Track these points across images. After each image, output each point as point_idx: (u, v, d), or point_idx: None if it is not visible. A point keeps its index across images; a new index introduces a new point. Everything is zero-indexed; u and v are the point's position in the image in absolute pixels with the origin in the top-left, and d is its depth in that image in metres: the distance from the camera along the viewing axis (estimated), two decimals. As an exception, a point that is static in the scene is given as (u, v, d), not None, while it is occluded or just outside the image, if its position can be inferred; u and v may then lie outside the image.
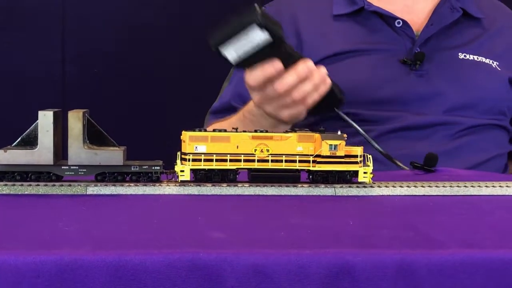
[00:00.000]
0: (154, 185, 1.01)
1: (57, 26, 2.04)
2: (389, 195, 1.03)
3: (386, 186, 1.05)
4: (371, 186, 1.04)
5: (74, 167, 1.01)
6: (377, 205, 0.98)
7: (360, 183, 1.05)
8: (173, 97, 2.10)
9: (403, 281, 0.73)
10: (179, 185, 1.01)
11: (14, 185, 1.00)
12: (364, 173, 1.05)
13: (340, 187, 1.03)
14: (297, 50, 1.52)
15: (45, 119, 1.00)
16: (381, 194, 1.03)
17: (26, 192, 0.99)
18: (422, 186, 1.05)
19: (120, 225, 0.84)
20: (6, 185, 1.00)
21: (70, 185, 1.00)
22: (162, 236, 0.78)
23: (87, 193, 1.00)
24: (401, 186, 1.05)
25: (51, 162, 1.01)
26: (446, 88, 1.49)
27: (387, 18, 1.53)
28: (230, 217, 0.89)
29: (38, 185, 1.00)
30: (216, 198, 0.99)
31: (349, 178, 1.05)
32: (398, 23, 1.52)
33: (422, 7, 1.57)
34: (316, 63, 1.51)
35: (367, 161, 1.06)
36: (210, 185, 1.02)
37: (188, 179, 1.02)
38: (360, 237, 0.80)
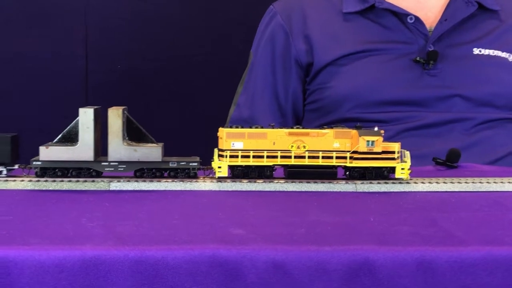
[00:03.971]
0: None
1: (80, 22, 2.05)
2: (411, 191, 1.03)
3: (408, 183, 1.04)
4: (393, 183, 1.04)
5: (114, 163, 1.02)
6: (399, 201, 0.98)
7: (385, 178, 1.05)
8: (201, 93, 2.10)
9: (423, 277, 0.73)
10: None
11: (38, 181, 1.01)
12: (402, 169, 1.05)
13: (361, 183, 1.03)
14: (307, 54, 1.53)
15: (86, 116, 1.02)
16: (402, 190, 1.03)
17: (50, 188, 1.01)
18: (444, 182, 1.05)
19: (142, 221, 0.84)
20: (30, 181, 1.01)
21: (93, 181, 1.01)
22: (183, 232, 0.79)
23: (110, 189, 1.01)
24: (422, 183, 1.05)
25: (92, 159, 1.02)
26: (460, 87, 1.48)
27: (399, 15, 1.51)
28: (251, 213, 0.90)
29: (62, 181, 1.01)
30: (238, 194, 1.00)
31: (386, 174, 1.05)
32: (411, 19, 1.50)
33: (435, 2, 1.55)
34: (328, 64, 1.52)
35: (404, 157, 1.06)
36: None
37: (226, 175, 1.03)
38: (380, 234, 0.80)
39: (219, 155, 1.04)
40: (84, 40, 2.05)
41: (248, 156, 1.04)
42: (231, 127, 1.05)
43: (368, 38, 1.51)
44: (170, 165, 1.03)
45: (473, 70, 1.49)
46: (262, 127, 1.05)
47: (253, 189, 1.02)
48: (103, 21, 2.06)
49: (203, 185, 1.02)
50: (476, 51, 1.51)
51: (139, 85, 2.09)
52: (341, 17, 1.54)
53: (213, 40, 2.09)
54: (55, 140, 1.03)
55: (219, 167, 1.03)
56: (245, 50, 1.66)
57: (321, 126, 1.07)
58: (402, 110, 1.47)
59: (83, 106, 1.03)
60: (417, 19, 1.50)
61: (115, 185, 1.01)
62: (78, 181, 1.01)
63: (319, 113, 1.53)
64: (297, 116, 1.58)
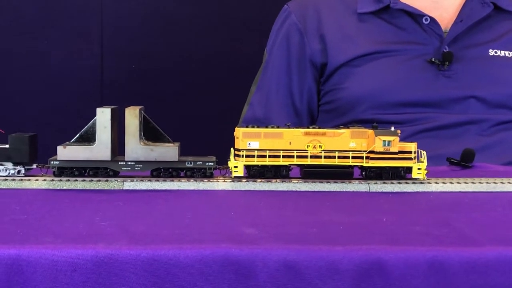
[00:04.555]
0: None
1: (96, 22, 2.06)
2: (425, 191, 1.03)
3: (422, 183, 1.04)
4: (406, 183, 1.04)
5: (131, 163, 1.03)
6: (412, 201, 0.98)
7: (402, 178, 1.04)
8: (217, 92, 2.10)
9: (435, 278, 0.73)
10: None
11: (53, 180, 1.02)
12: (418, 169, 1.05)
13: (375, 183, 1.03)
14: (322, 54, 1.53)
15: (103, 116, 1.02)
16: (416, 190, 1.03)
17: (64, 187, 1.01)
18: (458, 183, 1.05)
19: (155, 220, 0.85)
20: (45, 180, 1.02)
21: (107, 181, 1.02)
22: (196, 232, 0.79)
23: (124, 188, 1.01)
24: (436, 183, 1.04)
25: (109, 158, 1.03)
26: (475, 88, 1.47)
27: (414, 15, 1.50)
28: (263, 212, 0.90)
29: (76, 180, 1.02)
30: (252, 194, 1.00)
31: (403, 174, 1.05)
32: (426, 20, 1.49)
33: (451, 2, 1.54)
34: (342, 65, 1.52)
35: (421, 157, 1.05)
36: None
37: (242, 174, 1.03)
38: (392, 234, 0.80)
39: (235, 155, 1.04)
40: (100, 40, 2.06)
41: (264, 156, 1.04)
42: (246, 126, 1.05)
43: (383, 39, 1.50)
44: (187, 164, 1.04)
45: (489, 71, 1.48)
46: (278, 127, 1.05)
47: (267, 189, 1.02)
48: (119, 20, 2.07)
49: (217, 184, 1.02)
50: (491, 52, 1.50)
51: (154, 85, 2.10)
52: (355, 17, 1.53)
53: (227, 40, 2.09)
54: (72, 140, 1.04)
55: (235, 167, 1.03)
56: (259, 50, 1.66)
57: (336, 127, 1.07)
58: (417, 111, 1.47)
59: (98, 105, 1.04)
60: (432, 20, 1.49)
61: (129, 185, 1.02)
62: (92, 180, 1.02)
63: (334, 114, 1.53)
64: (312, 116, 1.58)
